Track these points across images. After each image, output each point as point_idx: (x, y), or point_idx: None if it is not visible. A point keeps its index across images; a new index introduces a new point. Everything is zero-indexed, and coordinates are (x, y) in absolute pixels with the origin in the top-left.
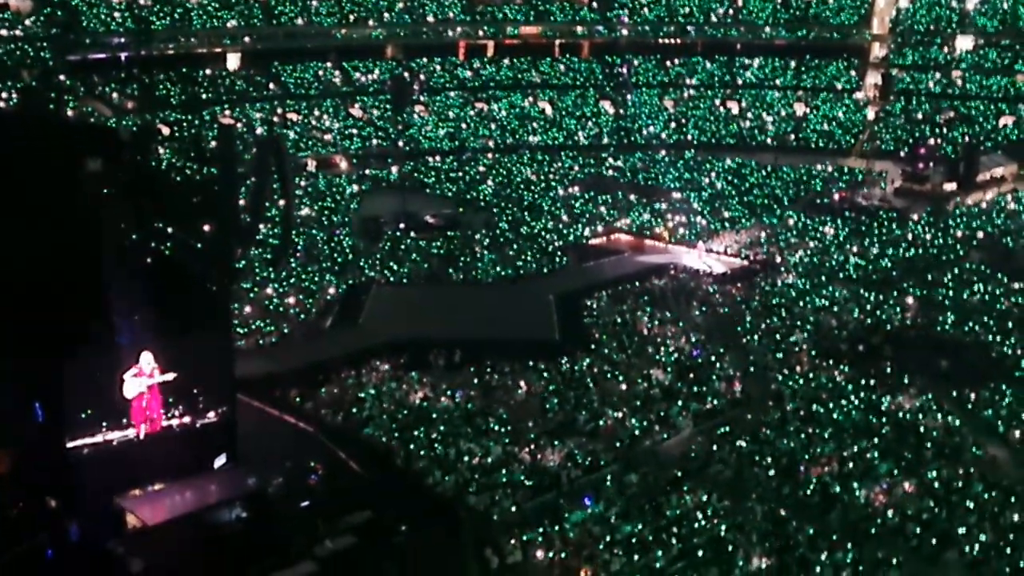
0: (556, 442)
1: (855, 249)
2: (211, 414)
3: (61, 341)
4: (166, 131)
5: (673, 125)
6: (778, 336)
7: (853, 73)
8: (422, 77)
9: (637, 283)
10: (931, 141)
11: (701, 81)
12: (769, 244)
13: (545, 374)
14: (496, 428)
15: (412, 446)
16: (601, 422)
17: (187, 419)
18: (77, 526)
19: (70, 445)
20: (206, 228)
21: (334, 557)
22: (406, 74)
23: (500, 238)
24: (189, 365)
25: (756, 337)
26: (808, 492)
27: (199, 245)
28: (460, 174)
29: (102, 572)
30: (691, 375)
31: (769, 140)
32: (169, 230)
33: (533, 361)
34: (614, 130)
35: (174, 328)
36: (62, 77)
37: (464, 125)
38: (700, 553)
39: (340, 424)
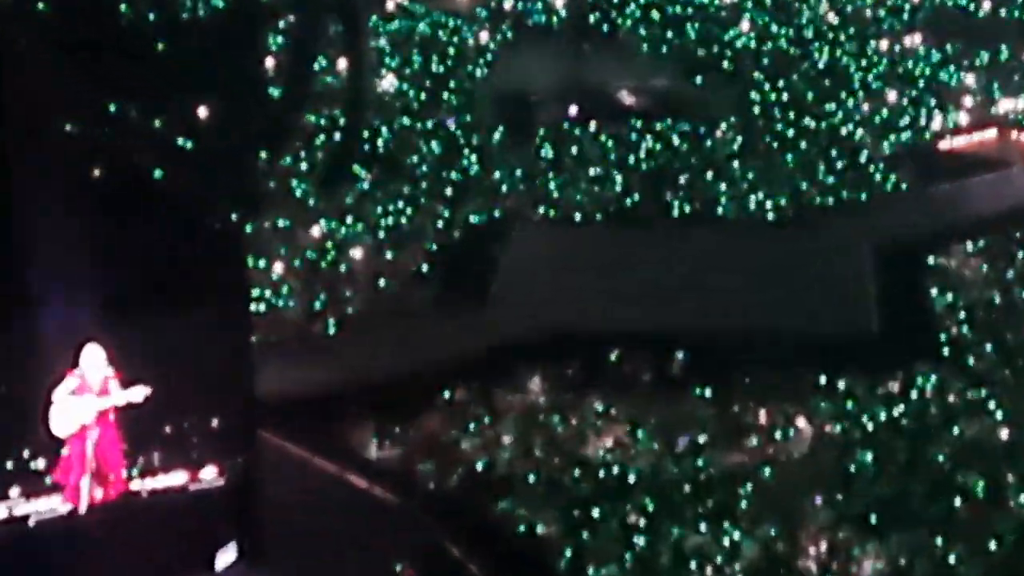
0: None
1: None
2: (212, 468)
3: None
4: None
5: None
6: None
7: None
8: None
9: None
10: None
11: None
12: None
13: (850, 403)
14: (751, 505)
15: (591, 538)
16: (957, 500)
17: (169, 477)
18: None
19: None
20: (200, 113)
21: None
22: None
23: (767, 134)
24: (175, 370)
25: None
26: None
27: (186, 145)
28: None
29: None
30: None
31: None
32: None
33: (825, 376)
34: None
35: (147, 301)
36: None
37: None
38: None
39: (452, 492)
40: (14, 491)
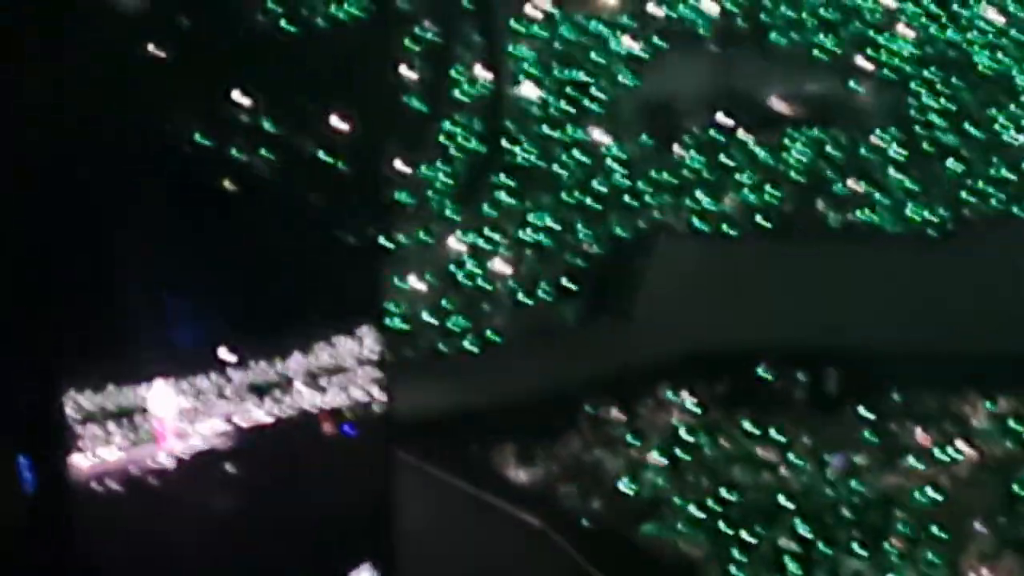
0: None
1: None
2: (351, 492)
3: None
4: None
5: None
6: None
7: None
8: None
9: None
10: None
11: None
12: None
13: (1014, 423)
14: (910, 529)
15: (741, 562)
16: None
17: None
18: None
19: None
20: (332, 122)
21: None
22: None
23: (925, 142)
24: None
25: None
26: None
27: (320, 156)
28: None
29: None
30: None
31: None
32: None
33: (987, 396)
34: None
35: (281, 317)
36: None
37: None
38: None
39: (595, 514)
40: None
